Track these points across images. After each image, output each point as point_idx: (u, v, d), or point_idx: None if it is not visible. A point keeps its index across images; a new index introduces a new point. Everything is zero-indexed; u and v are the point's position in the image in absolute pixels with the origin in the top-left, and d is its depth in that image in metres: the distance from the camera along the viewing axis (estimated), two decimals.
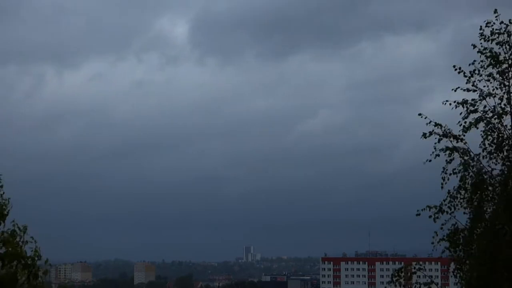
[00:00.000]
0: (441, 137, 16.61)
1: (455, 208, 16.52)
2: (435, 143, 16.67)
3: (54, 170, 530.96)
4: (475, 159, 16.44)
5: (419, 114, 16.78)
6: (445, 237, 16.80)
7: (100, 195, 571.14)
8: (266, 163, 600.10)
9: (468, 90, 16.72)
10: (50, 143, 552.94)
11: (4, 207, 16.01)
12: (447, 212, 16.54)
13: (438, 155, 16.57)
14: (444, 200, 16.59)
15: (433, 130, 16.69)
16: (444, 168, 16.63)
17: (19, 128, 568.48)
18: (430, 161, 16.73)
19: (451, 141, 16.59)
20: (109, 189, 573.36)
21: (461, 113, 16.68)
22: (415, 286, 17.30)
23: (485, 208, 16.31)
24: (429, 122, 16.74)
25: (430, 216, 16.64)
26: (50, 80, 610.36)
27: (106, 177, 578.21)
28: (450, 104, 16.78)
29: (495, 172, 16.33)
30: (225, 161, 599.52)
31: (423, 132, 16.80)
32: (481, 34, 16.61)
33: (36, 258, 15.69)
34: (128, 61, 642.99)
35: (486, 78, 16.55)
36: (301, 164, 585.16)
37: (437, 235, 16.91)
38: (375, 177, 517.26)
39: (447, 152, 16.56)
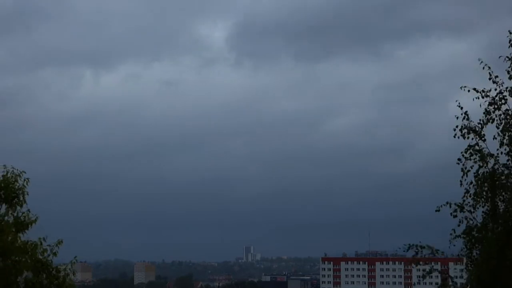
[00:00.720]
0: (469, 131, 16.67)
1: (474, 208, 16.63)
2: (460, 135, 16.73)
3: (66, 170, 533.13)
4: (492, 155, 16.54)
5: (458, 102, 16.79)
6: (461, 235, 16.89)
7: (105, 195, 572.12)
8: (284, 162, 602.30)
9: (493, 82, 16.64)
10: (73, 143, 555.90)
11: (26, 218, 16.15)
12: (470, 212, 16.66)
13: (468, 158, 16.62)
14: (465, 198, 16.69)
15: (463, 126, 16.75)
16: (462, 163, 16.71)
17: (46, 128, 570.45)
18: (459, 159, 16.79)
19: (474, 138, 16.71)
20: (117, 189, 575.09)
21: (480, 105, 16.70)
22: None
23: (498, 205, 16.42)
24: (463, 115, 16.76)
25: (451, 214, 16.76)
26: (86, 81, 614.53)
27: (119, 177, 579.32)
28: (469, 91, 16.76)
29: (510, 171, 16.41)
30: (243, 161, 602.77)
31: (455, 127, 16.87)
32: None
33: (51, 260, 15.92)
34: (163, 63, 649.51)
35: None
36: (317, 164, 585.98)
37: (454, 232, 16.97)
38: (388, 178, 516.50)
39: (469, 150, 16.65)
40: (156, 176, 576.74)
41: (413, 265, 17.99)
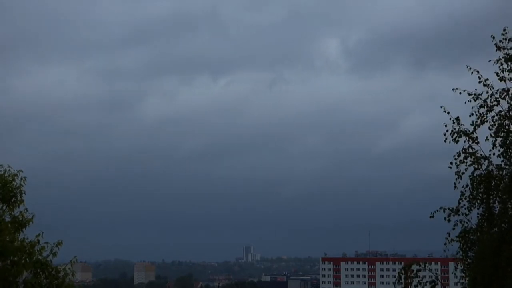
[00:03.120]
0: (461, 135, 16.73)
1: (470, 210, 16.70)
2: (452, 139, 16.78)
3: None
4: (486, 158, 16.59)
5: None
6: (456, 238, 16.98)
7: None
8: (337, 164, 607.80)
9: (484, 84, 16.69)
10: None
11: (24, 216, 16.13)
12: (465, 214, 16.73)
13: (462, 161, 16.63)
14: (460, 201, 16.76)
15: (453, 130, 16.79)
16: (456, 166, 16.75)
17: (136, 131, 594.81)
18: (452, 163, 16.84)
19: (467, 141, 16.77)
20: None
21: (473, 107, 16.76)
22: (419, 286, 17.38)
23: (493, 205, 16.48)
24: (452, 120, 16.77)
25: (445, 218, 16.84)
26: (199, 86, 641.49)
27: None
28: (460, 93, 16.83)
29: (504, 172, 16.45)
30: (287, 163, 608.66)
31: (445, 132, 16.93)
32: None
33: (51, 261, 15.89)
34: (272, 71, 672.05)
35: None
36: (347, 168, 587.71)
37: (449, 235, 17.08)
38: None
39: (463, 153, 16.71)
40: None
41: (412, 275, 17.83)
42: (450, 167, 16.78)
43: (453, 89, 16.86)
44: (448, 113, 16.93)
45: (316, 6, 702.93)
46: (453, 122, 16.87)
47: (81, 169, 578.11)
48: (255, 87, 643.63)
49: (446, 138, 16.96)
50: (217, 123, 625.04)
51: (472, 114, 16.69)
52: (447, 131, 16.94)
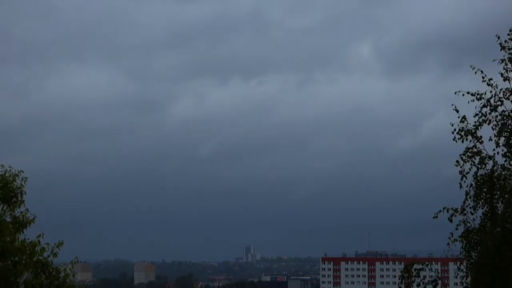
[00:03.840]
0: (466, 134, 16.71)
1: (475, 210, 16.67)
2: (459, 138, 16.74)
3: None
4: (491, 157, 16.56)
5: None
6: (459, 238, 16.93)
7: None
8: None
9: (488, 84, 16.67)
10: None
11: (25, 217, 16.07)
12: (471, 214, 16.70)
13: (466, 160, 16.61)
14: (466, 200, 16.72)
15: (460, 129, 16.75)
16: (460, 166, 16.70)
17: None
18: (458, 162, 16.79)
19: (472, 140, 16.74)
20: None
21: (476, 107, 16.76)
22: (421, 285, 17.36)
23: (496, 205, 16.46)
24: (460, 118, 16.72)
25: (448, 218, 16.82)
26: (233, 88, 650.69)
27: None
28: (463, 95, 16.81)
29: (508, 172, 16.43)
30: (301, 163, 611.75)
31: (453, 131, 16.92)
32: None
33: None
34: (304, 72, 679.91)
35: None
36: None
37: (452, 235, 17.07)
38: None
39: (467, 152, 16.68)
40: (167, 177, 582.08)
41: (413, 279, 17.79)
42: (456, 165, 16.73)
43: (455, 92, 16.85)
44: (458, 111, 16.91)
45: (351, 10, 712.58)
46: (460, 121, 16.83)
47: (97, 169, 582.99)
48: (285, 88, 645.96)
49: (454, 137, 16.92)
50: (243, 123, 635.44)
51: (477, 114, 16.66)
52: (454, 130, 16.91)
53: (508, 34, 16.47)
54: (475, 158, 16.58)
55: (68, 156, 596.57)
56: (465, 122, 16.84)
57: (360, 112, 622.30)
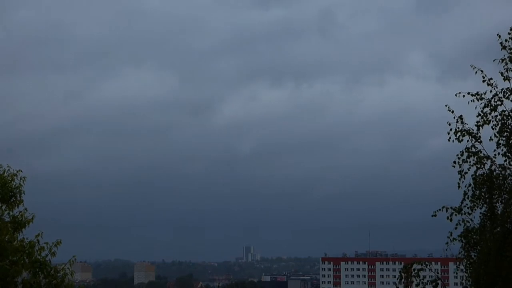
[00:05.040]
0: (464, 134, 16.68)
1: (472, 210, 16.64)
2: (455, 138, 16.74)
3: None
4: (489, 157, 16.54)
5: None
6: (458, 237, 16.92)
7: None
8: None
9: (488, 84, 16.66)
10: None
11: (24, 216, 16.05)
12: (468, 214, 16.67)
13: (465, 160, 16.59)
14: (464, 200, 16.70)
15: (457, 129, 16.74)
16: (459, 165, 16.69)
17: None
18: (455, 162, 16.77)
19: (470, 140, 16.72)
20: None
21: (476, 107, 16.73)
22: (420, 285, 17.32)
23: (496, 205, 16.43)
24: (456, 118, 16.71)
25: (447, 218, 16.79)
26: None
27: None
28: (464, 96, 16.80)
29: (508, 172, 16.40)
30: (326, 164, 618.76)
31: (449, 131, 16.89)
32: None
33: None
34: (356, 75, 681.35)
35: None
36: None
37: (451, 235, 17.04)
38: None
39: (466, 152, 16.66)
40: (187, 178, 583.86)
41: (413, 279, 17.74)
42: (453, 166, 16.72)
43: (456, 94, 16.83)
44: (453, 112, 16.89)
45: (409, 16, 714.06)
46: (457, 121, 16.81)
47: (127, 171, 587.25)
48: (333, 90, 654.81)
49: (450, 137, 16.91)
50: (288, 125, 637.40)
51: (479, 114, 16.62)
52: (450, 129, 16.88)
53: (509, 33, 16.45)
54: (473, 158, 16.53)
55: (100, 157, 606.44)
56: (462, 121, 16.78)
57: (404, 114, 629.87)
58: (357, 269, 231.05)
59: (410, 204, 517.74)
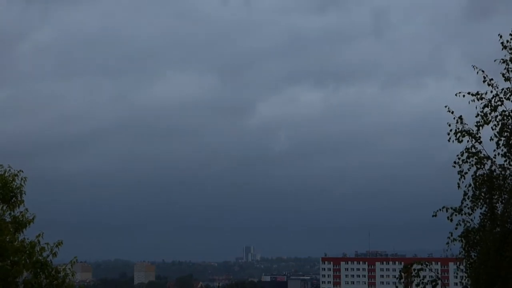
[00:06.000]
0: (464, 134, 16.69)
1: (473, 210, 16.65)
2: (455, 139, 16.76)
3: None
4: (489, 158, 16.56)
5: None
6: (458, 237, 16.94)
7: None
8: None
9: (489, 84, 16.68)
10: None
11: (24, 217, 16.07)
12: (468, 214, 16.68)
13: (465, 160, 16.62)
14: (464, 200, 16.71)
15: (457, 129, 16.76)
16: (459, 165, 16.71)
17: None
18: (455, 162, 16.80)
19: (470, 140, 16.74)
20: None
21: (476, 107, 16.75)
22: (420, 285, 17.34)
23: (496, 205, 16.44)
24: (456, 119, 16.73)
25: (448, 218, 16.81)
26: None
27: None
28: (464, 95, 16.81)
29: (508, 172, 16.42)
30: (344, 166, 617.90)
31: (449, 132, 16.92)
32: None
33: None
34: (396, 78, 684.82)
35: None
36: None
37: (452, 235, 17.05)
38: None
39: (466, 153, 16.68)
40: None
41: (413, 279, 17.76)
42: (454, 167, 16.74)
43: (456, 94, 16.85)
44: (452, 112, 16.91)
45: (455, 19, 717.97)
46: (457, 122, 16.83)
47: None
48: (372, 92, 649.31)
49: (449, 138, 16.92)
50: (321, 125, 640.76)
51: (479, 114, 16.63)
52: (450, 130, 16.90)
53: (510, 34, 16.46)
54: (473, 159, 16.55)
55: (125, 157, 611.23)
56: (462, 122, 16.80)
57: (436, 117, 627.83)
58: (357, 269, 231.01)
59: (410, 204, 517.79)
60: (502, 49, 16.57)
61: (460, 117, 16.84)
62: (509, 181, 16.32)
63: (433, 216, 17.08)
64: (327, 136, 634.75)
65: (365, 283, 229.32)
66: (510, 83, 16.44)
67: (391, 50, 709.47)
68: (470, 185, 16.60)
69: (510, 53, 16.44)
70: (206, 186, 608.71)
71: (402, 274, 17.76)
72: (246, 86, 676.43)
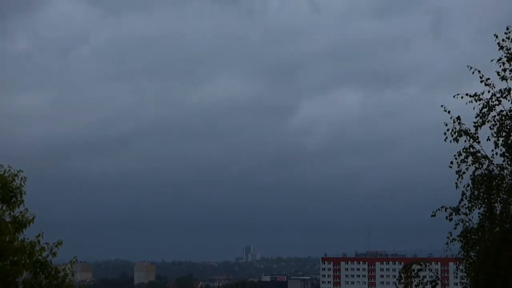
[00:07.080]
0: (461, 134, 16.68)
1: (470, 210, 16.65)
2: (452, 139, 16.76)
3: None
4: (488, 158, 16.56)
5: (442, 106, 16.85)
6: (457, 237, 16.95)
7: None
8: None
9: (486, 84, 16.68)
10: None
11: (24, 217, 16.09)
12: (466, 214, 16.69)
13: (463, 160, 16.63)
14: (461, 201, 16.73)
15: (454, 129, 16.77)
16: (457, 165, 16.73)
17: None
18: (452, 162, 16.80)
19: (468, 140, 16.73)
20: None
21: (474, 108, 16.74)
22: (420, 286, 17.35)
23: (494, 205, 16.45)
24: (453, 119, 16.74)
25: (446, 217, 16.81)
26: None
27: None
28: (462, 97, 16.80)
29: (506, 172, 16.42)
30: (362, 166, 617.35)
31: (446, 131, 16.91)
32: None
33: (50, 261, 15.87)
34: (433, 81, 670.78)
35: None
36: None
37: (451, 235, 17.06)
38: None
39: (464, 153, 16.68)
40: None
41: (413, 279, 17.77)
42: (451, 167, 16.74)
43: (454, 96, 16.86)
44: (449, 112, 16.93)
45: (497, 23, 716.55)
46: (454, 122, 16.83)
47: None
48: (414, 95, 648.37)
49: (446, 137, 16.93)
50: (358, 127, 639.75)
51: (478, 115, 16.63)
52: (447, 130, 16.91)
53: (506, 33, 16.46)
54: (471, 158, 16.55)
55: (153, 158, 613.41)
56: (459, 122, 16.80)
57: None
58: (357, 269, 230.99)
59: (411, 204, 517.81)
60: (499, 49, 16.56)
61: (458, 118, 16.85)
62: (507, 180, 16.33)
63: (432, 216, 17.09)
64: (361, 136, 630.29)
65: (365, 283, 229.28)
66: (507, 82, 16.46)
67: (431, 53, 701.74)
68: (468, 185, 16.61)
69: (506, 53, 16.44)
70: (226, 185, 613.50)
71: (402, 274, 17.77)
72: (290, 89, 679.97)
